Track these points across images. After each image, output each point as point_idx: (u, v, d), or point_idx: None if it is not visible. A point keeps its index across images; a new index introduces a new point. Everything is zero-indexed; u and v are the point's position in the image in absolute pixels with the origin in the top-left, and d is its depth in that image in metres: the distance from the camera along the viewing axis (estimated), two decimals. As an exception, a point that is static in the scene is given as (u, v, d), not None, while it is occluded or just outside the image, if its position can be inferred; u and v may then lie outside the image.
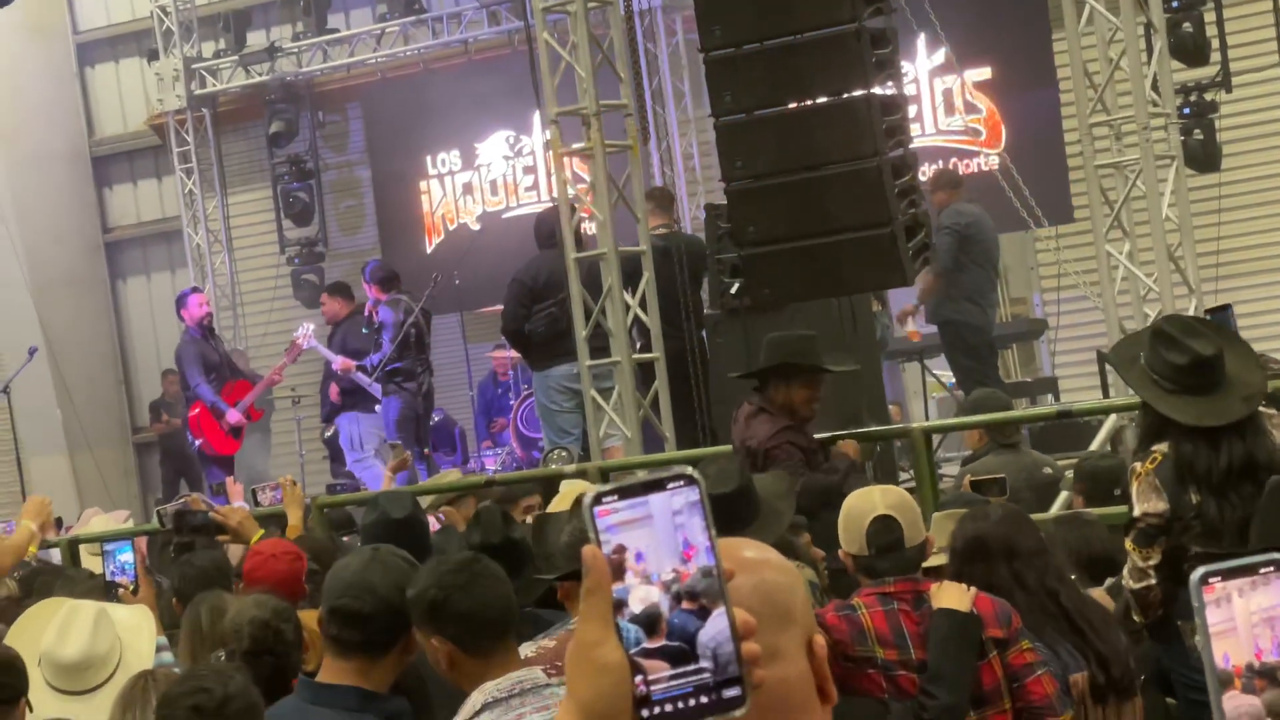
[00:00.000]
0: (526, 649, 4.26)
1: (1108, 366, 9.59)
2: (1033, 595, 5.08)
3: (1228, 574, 1.55)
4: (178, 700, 3.60)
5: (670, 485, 1.42)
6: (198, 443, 14.58)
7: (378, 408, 13.83)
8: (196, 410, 14.49)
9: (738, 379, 8.14)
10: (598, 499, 1.43)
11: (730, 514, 5.63)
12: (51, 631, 4.86)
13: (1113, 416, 9.69)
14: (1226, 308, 8.43)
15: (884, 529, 4.79)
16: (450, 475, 9.44)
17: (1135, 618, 5.46)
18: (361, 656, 4.03)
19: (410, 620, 3.94)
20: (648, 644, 1.39)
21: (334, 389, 13.97)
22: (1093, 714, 4.99)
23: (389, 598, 3.99)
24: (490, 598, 3.71)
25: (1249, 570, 1.55)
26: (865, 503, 4.90)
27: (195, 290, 15.24)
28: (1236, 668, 1.53)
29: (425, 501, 8.21)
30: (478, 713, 3.54)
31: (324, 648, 4.16)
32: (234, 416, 14.50)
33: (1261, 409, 5.52)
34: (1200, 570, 1.55)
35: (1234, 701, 1.53)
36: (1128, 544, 5.49)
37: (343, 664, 4.04)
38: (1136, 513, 5.43)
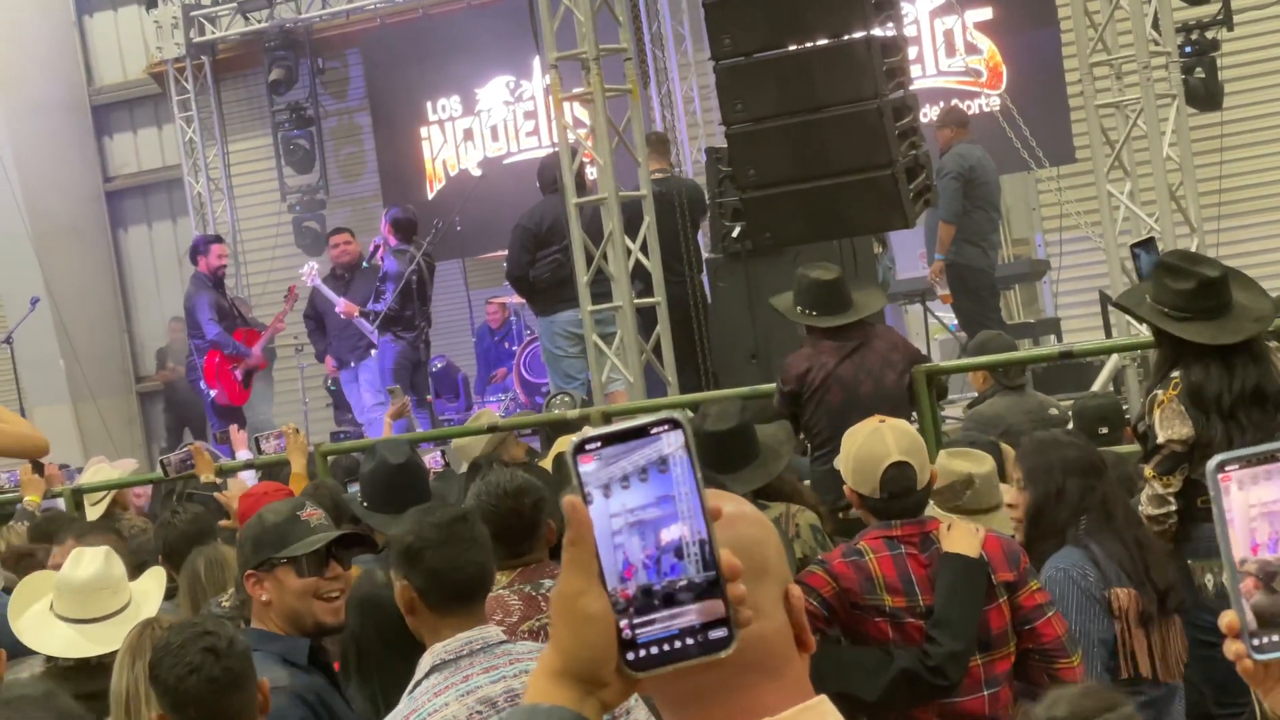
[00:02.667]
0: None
1: (1116, 309, 9.58)
2: (1113, 519, 5.05)
3: (1245, 462, 1.51)
4: (188, 644, 3.60)
5: (654, 430, 1.40)
6: (212, 393, 14.50)
7: (373, 353, 13.75)
8: (216, 359, 14.45)
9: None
10: (580, 447, 1.41)
11: (731, 450, 5.72)
12: (65, 567, 4.96)
13: (1115, 357, 9.71)
14: (1150, 240, 8.43)
15: (901, 475, 4.69)
16: (486, 415, 9.34)
17: None
18: None
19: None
20: (632, 588, 1.38)
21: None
22: (1135, 634, 4.94)
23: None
24: (463, 561, 3.62)
25: (1268, 458, 1.50)
26: (880, 445, 4.74)
27: (217, 240, 15.17)
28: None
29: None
30: (426, 675, 3.55)
31: None
32: (256, 357, 14.48)
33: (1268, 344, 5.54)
34: (1217, 458, 1.52)
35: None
36: (1148, 471, 5.46)
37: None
38: (1160, 439, 5.40)
